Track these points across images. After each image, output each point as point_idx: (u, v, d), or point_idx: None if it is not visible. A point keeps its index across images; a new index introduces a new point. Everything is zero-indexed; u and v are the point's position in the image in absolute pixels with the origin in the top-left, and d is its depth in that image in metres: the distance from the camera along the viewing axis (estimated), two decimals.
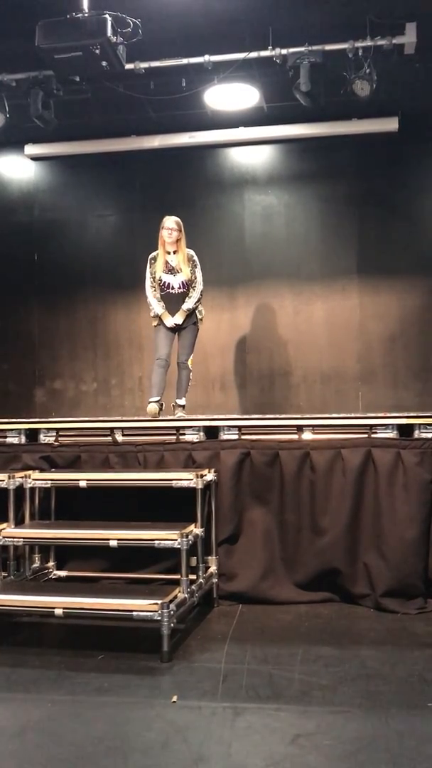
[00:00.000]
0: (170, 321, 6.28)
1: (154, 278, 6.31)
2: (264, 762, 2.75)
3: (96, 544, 4.57)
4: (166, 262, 6.29)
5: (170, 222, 6.26)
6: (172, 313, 6.29)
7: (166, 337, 6.36)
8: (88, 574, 5.13)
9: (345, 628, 4.43)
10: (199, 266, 6.36)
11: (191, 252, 6.36)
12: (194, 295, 6.31)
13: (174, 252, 6.29)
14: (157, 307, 6.31)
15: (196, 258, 6.36)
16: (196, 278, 6.32)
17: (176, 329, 6.37)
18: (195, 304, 6.33)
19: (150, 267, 6.34)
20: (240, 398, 8.59)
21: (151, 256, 6.37)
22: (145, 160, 8.69)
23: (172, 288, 6.29)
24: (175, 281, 6.28)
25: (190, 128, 8.30)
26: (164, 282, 6.28)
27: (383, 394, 8.21)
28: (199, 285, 6.34)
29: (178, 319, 6.28)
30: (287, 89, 6.76)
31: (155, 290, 6.31)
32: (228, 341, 8.63)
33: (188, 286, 6.29)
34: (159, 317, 6.32)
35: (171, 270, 6.28)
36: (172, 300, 6.31)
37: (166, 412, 6.38)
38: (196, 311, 6.39)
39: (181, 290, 6.30)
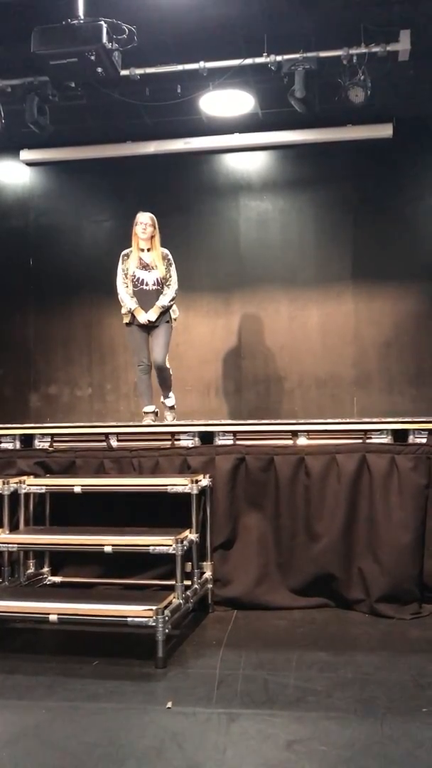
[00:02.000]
0: (143, 317, 6.13)
1: (126, 274, 6.17)
2: None
3: (91, 549, 4.56)
4: (140, 258, 6.17)
5: (144, 217, 6.17)
6: (146, 310, 6.16)
7: (142, 339, 6.24)
8: (82, 580, 5.12)
9: (340, 633, 4.43)
10: (174, 266, 6.24)
11: (166, 251, 6.24)
12: (169, 292, 6.16)
13: (148, 249, 6.18)
14: (129, 302, 6.15)
15: (171, 257, 6.24)
16: (171, 276, 6.20)
17: (149, 327, 6.22)
18: (170, 302, 6.19)
19: (122, 263, 6.21)
20: (235, 403, 8.59)
21: (123, 252, 6.25)
22: (141, 166, 8.70)
23: (146, 284, 6.15)
24: (150, 278, 6.15)
25: (185, 134, 8.32)
26: (138, 278, 6.14)
27: (378, 400, 8.22)
28: (174, 284, 6.20)
29: (152, 315, 6.12)
30: (282, 95, 6.79)
31: (127, 286, 6.17)
32: (223, 346, 8.63)
33: (162, 283, 6.16)
34: (131, 313, 6.17)
35: (145, 266, 6.16)
36: (146, 297, 6.15)
37: (161, 418, 6.38)
38: (170, 310, 6.26)
39: (155, 287, 6.15)
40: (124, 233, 8.73)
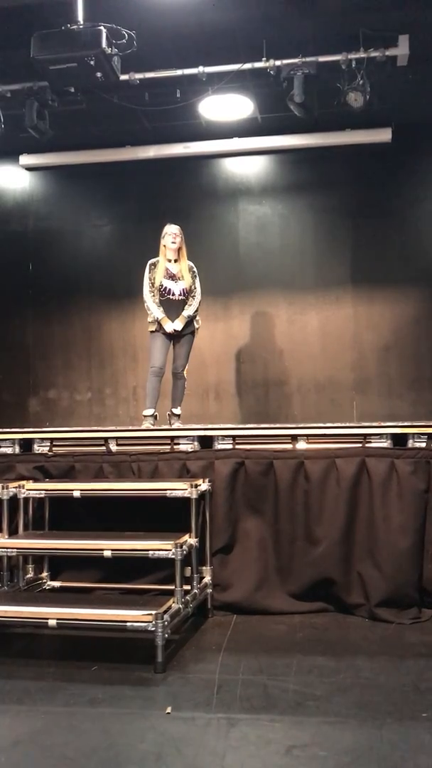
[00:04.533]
0: (170, 326, 6.25)
1: (153, 284, 6.29)
2: None
3: (90, 554, 4.56)
4: (167, 269, 6.30)
5: (173, 228, 6.33)
6: (172, 320, 6.28)
7: (163, 345, 6.34)
8: (81, 585, 5.12)
9: (339, 638, 4.42)
10: (198, 278, 6.41)
11: (191, 263, 6.42)
12: (194, 303, 6.33)
13: (175, 260, 6.33)
14: (156, 311, 6.26)
15: (195, 270, 6.43)
16: (195, 288, 6.37)
17: (173, 336, 6.35)
18: (195, 312, 6.36)
19: (149, 272, 6.33)
20: (235, 408, 8.59)
21: (150, 261, 6.37)
22: (140, 171, 8.71)
23: (173, 294, 6.29)
24: (177, 288, 6.29)
25: (184, 139, 8.33)
26: (165, 288, 6.27)
27: (377, 404, 8.22)
28: (198, 295, 6.38)
29: (178, 325, 6.26)
30: (281, 100, 6.80)
31: (154, 295, 6.29)
32: (223, 351, 8.64)
33: (188, 294, 6.32)
34: (158, 322, 6.28)
35: (172, 277, 6.30)
36: (172, 307, 6.29)
37: (161, 422, 6.39)
38: (194, 320, 6.41)
39: (181, 297, 6.30)
40: (124, 238, 8.86)
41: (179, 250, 6.32)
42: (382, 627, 4.57)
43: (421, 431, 5.05)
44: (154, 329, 6.35)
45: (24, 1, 5.86)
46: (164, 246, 6.32)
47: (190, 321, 6.36)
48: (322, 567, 4.87)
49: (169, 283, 6.28)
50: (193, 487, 4.62)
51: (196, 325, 6.46)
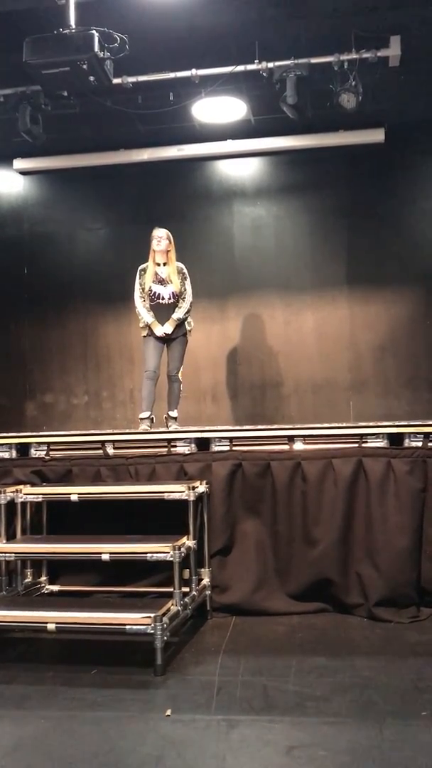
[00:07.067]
0: (160, 330, 6.29)
1: (143, 289, 6.33)
2: None
3: (88, 557, 4.55)
4: (156, 273, 6.33)
5: (159, 232, 6.35)
6: (162, 324, 6.31)
7: (156, 348, 6.37)
8: (80, 589, 5.12)
9: (338, 638, 4.42)
10: (188, 279, 6.41)
11: (181, 265, 6.42)
12: (184, 305, 6.34)
13: (164, 264, 6.34)
14: (146, 316, 6.32)
15: (185, 271, 6.42)
16: (185, 290, 6.37)
17: (165, 340, 6.38)
18: (185, 314, 6.36)
19: (140, 278, 6.37)
20: (231, 409, 8.59)
21: (140, 267, 6.41)
22: (134, 174, 8.72)
23: (162, 298, 6.32)
24: (165, 292, 6.31)
25: (178, 141, 8.33)
26: (154, 292, 6.31)
27: (374, 404, 8.23)
28: (189, 297, 6.38)
29: (168, 328, 6.29)
30: (274, 102, 6.81)
31: (144, 300, 6.34)
32: (219, 353, 8.64)
33: (178, 297, 6.33)
34: (149, 326, 6.33)
35: (161, 281, 6.32)
36: (162, 310, 6.33)
37: (158, 425, 6.39)
38: (186, 323, 6.42)
39: (171, 301, 6.33)
40: (119, 240, 8.86)
41: (167, 253, 6.33)
42: (381, 627, 4.58)
43: (417, 430, 5.06)
44: (146, 334, 6.40)
45: (16, 6, 5.86)
46: (153, 250, 6.34)
47: (181, 323, 6.37)
48: (320, 567, 4.88)
49: (158, 288, 6.31)
50: (191, 490, 4.62)
51: (188, 327, 6.46)
